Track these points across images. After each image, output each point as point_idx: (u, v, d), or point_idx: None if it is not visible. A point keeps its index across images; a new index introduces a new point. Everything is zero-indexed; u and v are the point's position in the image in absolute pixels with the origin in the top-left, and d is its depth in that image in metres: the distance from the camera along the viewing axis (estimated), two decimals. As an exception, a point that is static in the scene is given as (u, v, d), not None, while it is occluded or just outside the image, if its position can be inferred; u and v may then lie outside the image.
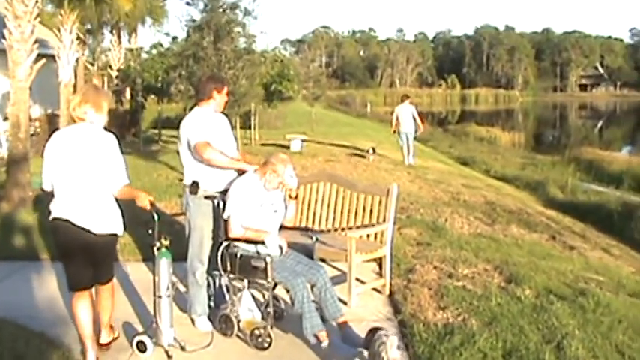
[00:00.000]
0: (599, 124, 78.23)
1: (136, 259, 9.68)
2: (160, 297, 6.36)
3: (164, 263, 6.35)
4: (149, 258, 9.77)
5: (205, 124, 6.92)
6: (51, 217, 6.20)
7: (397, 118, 23.92)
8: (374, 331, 6.05)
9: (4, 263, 9.74)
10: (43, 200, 13.88)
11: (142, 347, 6.41)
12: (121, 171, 6.16)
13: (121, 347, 6.59)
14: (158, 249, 6.33)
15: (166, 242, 6.39)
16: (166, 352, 6.30)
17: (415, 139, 24.75)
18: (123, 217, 6.36)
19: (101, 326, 6.56)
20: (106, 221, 6.16)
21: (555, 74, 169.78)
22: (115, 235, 6.31)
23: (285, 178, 6.74)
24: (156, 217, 6.32)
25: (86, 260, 6.15)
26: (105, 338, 6.61)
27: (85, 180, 6.02)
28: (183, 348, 6.43)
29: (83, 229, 6.02)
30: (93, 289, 6.41)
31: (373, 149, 24.48)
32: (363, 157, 24.55)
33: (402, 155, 24.25)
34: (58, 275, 8.99)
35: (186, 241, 7.26)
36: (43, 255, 10.07)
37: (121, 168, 6.16)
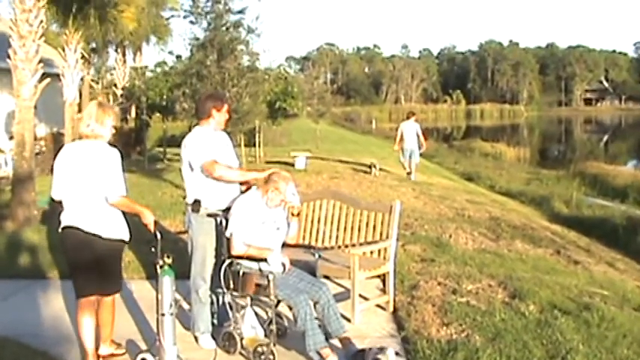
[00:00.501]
0: (605, 138, 78.23)
1: (140, 277, 9.68)
2: (163, 315, 6.34)
3: (167, 281, 6.33)
4: (153, 276, 9.79)
5: (207, 143, 6.93)
6: (61, 227, 6.37)
7: (401, 135, 24.33)
8: (363, 351, 6.01)
9: (8, 282, 9.74)
10: (48, 219, 13.94)
11: None
12: (118, 181, 6.26)
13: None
14: (161, 267, 6.32)
15: (169, 260, 6.35)
16: None
17: (420, 155, 25.17)
18: (128, 225, 6.46)
19: (100, 340, 6.63)
20: (113, 227, 6.34)
21: (560, 89, 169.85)
22: (122, 241, 6.46)
23: (287, 196, 6.75)
24: (159, 236, 6.33)
25: (94, 267, 6.29)
26: (104, 350, 6.67)
27: (90, 189, 6.21)
28: None
29: (92, 234, 6.22)
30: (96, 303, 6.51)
31: (374, 165, 24.89)
32: (367, 172, 24.90)
33: (404, 169, 24.77)
34: (63, 294, 9.02)
35: (189, 259, 7.25)
36: (48, 274, 10.09)
37: (119, 179, 6.27)
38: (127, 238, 6.48)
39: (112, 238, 6.33)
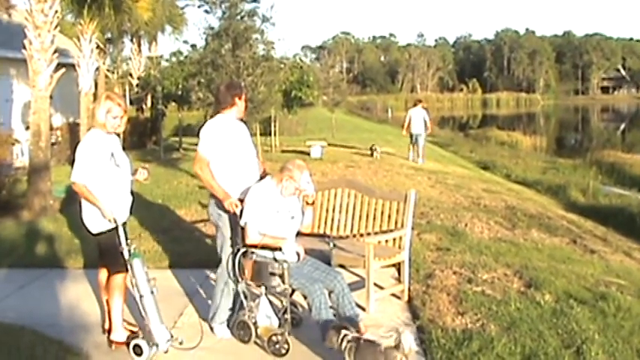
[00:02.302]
0: (622, 127, 77.64)
1: (154, 267, 9.61)
2: (142, 297, 6.48)
3: (137, 264, 6.54)
4: (173, 265, 9.86)
5: (218, 134, 6.95)
6: None
7: (409, 121, 25.87)
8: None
9: (24, 271, 9.80)
10: (63, 208, 14.01)
11: (138, 351, 6.48)
12: (77, 166, 6.63)
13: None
14: (128, 252, 6.57)
15: (133, 245, 6.64)
16: (159, 348, 6.48)
17: (427, 139, 26.57)
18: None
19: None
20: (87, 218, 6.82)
21: (577, 77, 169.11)
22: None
23: (301, 184, 6.73)
24: (119, 224, 6.60)
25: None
26: (114, 336, 6.80)
27: None
28: (181, 343, 6.56)
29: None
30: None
31: (375, 148, 26.86)
32: (368, 154, 26.56)
33: (408, 152, 26.53)
34: (78, 283, 9.07)
35: (210, 249, 7.28)
36: (64, 263, 10.13)
37: (78, 164, 6.62)
38: (92, 230, 6.74)
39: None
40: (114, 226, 6.56)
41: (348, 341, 5.76)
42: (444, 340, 6.59)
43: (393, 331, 5.58)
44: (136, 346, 6.46)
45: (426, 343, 6.67)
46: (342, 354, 5.80)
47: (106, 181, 6.56)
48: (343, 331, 5.82)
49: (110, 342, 6.80)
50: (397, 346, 5.47)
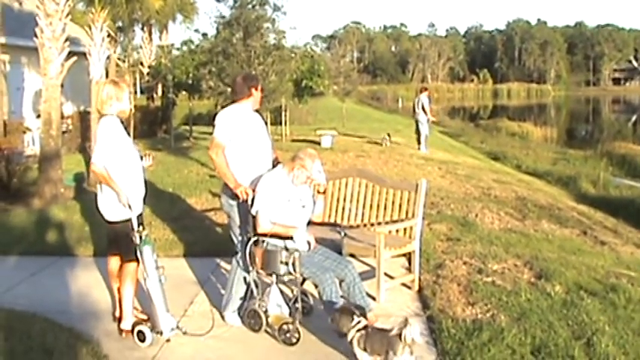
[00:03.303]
0: (633, 119, 77.28)
1: (165, 255, 9.61)
2: (149, 284, 6.58)
3: (147, 251, 6.58)
4: (187, 254, 9.88)
5: (233, 122, 6.96)
6: None
7: (413, 108, 26.54)
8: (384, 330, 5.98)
9: (35, 258, 9.84)
10: (74, 197, 14.05)
11: (141, 337, 6.54)
12: (98, 150, 6.65)
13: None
14: (140, 239, 6.59)
15: (145, 232, 6.66)
16: (163, 335, 6.54)
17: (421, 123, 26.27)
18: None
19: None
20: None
21: (588, 68, 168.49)
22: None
23: (313, 173, 6.73)
24: (133, 212, 6.63)
25: None
26: (124, 325, 6.83)
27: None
28: (185, 332, 6.62)
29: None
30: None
31: (388, 135, 27.67)
32: (378, 143, 26.94)
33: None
34: (89, 271, 9.10)
35: (221, 237, 7.30)
36: (74, 251, 10.17)
37: (99, 148, 6.63)
38: (108, 218, 6.79)
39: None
40: (130, 216, 6.58)
41: (358, 330, 5.77)
42: (454, 330, 6.59)
43: (400, 321, 5.60)
44: (140, 332, 6.53)
45: (437, 333, 6.67)
46: (346, 339, 5.83)
47: (126, 168, 6.58)
48: (355, 319, 5.83)
49: (120, 330, 6.83)
50: (400, 335, 5.49)
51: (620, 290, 7.78)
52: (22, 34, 20.40)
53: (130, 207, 6.52)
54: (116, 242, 6.91)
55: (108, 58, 23.55)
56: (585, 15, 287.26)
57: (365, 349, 5.71)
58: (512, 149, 36.19)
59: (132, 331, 6.63)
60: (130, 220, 6.59)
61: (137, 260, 6.70)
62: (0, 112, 17.46)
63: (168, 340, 6.53)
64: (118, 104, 6.66)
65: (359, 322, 5.81)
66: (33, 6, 15.23)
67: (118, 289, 6.91)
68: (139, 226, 6.62)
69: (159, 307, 6.52)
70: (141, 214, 6.79)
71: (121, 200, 6.50)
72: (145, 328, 6.49)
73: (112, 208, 6.65)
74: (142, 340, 6.50)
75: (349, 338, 5.82)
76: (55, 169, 14.37)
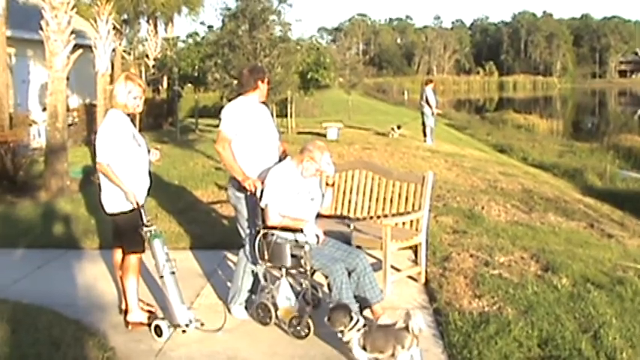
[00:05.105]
0: (639, 111, 77.22)
1: (172, 247, 9.60)
2: (162, 277, 6.55)
3: (157, 244, 6.61)
4: (194, 247, 9.89)
5: (240, 114, 6.95)
6: None
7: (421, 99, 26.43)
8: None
9: (41, 251, 9.87)
10: (80, 189, 14.06)
11: (158, 332, 6.54)
12: (101, 147, 6.63)
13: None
14: (149, 233, 6.63)
15: (154, 226, 6.71)
16: (179, 328, 6.56)
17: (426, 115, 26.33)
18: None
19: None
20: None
21: (594, 60, 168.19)
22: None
23: (322, 165, 6.71)
24: (141, 207, 6.67)
25: None
26: (130, 317, 6.87)
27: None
28: (202, 324, 6.63)
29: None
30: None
31: (398, 127, 27.92)
32: (384, 135, 27.31)
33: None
34: (95, 264, 9.12)
35: (227, 230, 7.30)
36: (81, 243, 10.20)
37: (102, 144, 6.62)
38: (109, 210, 6.81)
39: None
40: (131, 207, 6.58)
41: (358, 330, 5.75)
42: (461, 323, 6.58)
43: (404, 314, 5.60)
44: (157, 326, 6.52)
45: (443, 326, 6.67)
46: (343, 336, 5.81)
47: (129, 161, 6.59)
48: (354, 318, 5.81)
49: (127, 323, 6.84)
50: (407, 328, 5.48)
51: (627, 283, 7.77)
52: (27, 27, 20.40)
53: (137, 202, 6.53)
54: (118, 234, 6.94)
55: (113, 50, 23.60)
56: (591, 7, 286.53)
57: (364, 348, 5.68)
58: (519, 142, 36.13)
59: (148, 325, 6.62)
60: (129, 212, 6.62)
61: (140, 251, 6.74)
62: (6, 104, 17.46)
63: (184, 332, 6.54)
64: (132, 99, 6.67)
65: (357, 322, 5.78)
66: (38, -1, 15.23)
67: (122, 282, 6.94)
68: (146, 220, 6.63)
69: (174, 299, 6.53)
70: (143, 205, 6.81)
71: (128, 198, 6.52)
72: (162, 323, 6.49)
73: (111, 200, 6.68)
74: (159, 335, 6.50)
75: (346, 339, 5.79)
76: (61, 161, 14.39)
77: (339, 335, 5.85)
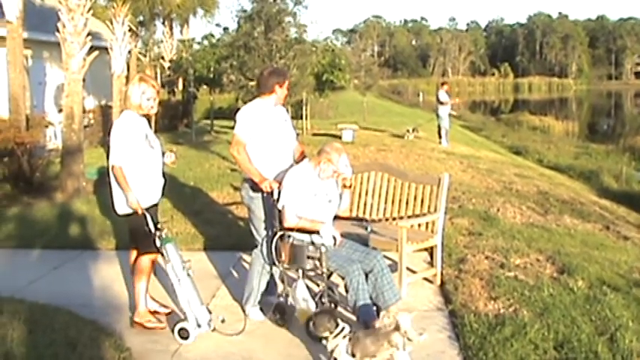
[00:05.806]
0: (656, 113, 76.82)
1: (187, 249, 9.62)
2: (179, 280, 6.55)
3: (170, 248, 6.61)
4: (208, 247, 9.91)
5: (254, 118, 6.95)
6: None
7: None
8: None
9: (58, 252, 9.90)
10: (96, 190, 14.10)
11: (184, 334, 6.52)
12: (114, 150, 6.68)
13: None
14: (160, 238, 6.64)
15: (164, 231, 6.74)
16: (201, 329, 6.55)
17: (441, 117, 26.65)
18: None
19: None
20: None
21: (610, 62, 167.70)
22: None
23: (339, 167, 6.71)
24: (146, 213, 6.68)
25: None
26: (136, 317, 6.93)
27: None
28: (223, 321, 6.64)
29: None
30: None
31: (414, 129, 28.15)
32: (400, 136, 27.58)
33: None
34: (111, 264, 9.15)
35: (242, 231, 7.30)
36: (97, 244, 10.22)
37: (115, 147, 6.67)
38: (119, 211, 6.86)
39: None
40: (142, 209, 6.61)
41: (344, 336, 5.70)
42: (477, 325, 6.57)
43: (390, 316, 5.61)
44: (182, 329, 6.50)
45: (459, 328, 6.66)
46: (323, 342, 5.76)
47: (142, 163, 6.61)
48: (340, 325, 5.77)
49: (132, 322, 6.86)
50: (397, 328, 5.48)
51: (643, 286, 7.74)
52: (44, 29, 20.46)
53: (141, 209, 6.56)
54: (131, 235, 6.99)
55: (129, 52, 23.68)
56: (607, 8, 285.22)
57: (353, 355, 5.62)
58: (534, 143, 36.09)
59: (172, 329, 6.61)
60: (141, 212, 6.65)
61: (153, 252, 6.76)
62: (22, 106, 17.51)
63: (214, 330, 6.57)
64: (146, 100, 6.70)
65: (343, 329, 5.73)
66: (55, 1, 15.26)
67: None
68: (155, 224, 6.67)
69: (193, 301, 6.53)
70: (156, 205, 6.88)
71: (130, 205, 6.59)
72: (187, 325, 6.48)
73: (121, 201, 6.71)
74: (185, 338, 6.49)
75: (331, 346, 5.67)
76: (77, 163, 14.43)
77: (323, 342, 5.75)
